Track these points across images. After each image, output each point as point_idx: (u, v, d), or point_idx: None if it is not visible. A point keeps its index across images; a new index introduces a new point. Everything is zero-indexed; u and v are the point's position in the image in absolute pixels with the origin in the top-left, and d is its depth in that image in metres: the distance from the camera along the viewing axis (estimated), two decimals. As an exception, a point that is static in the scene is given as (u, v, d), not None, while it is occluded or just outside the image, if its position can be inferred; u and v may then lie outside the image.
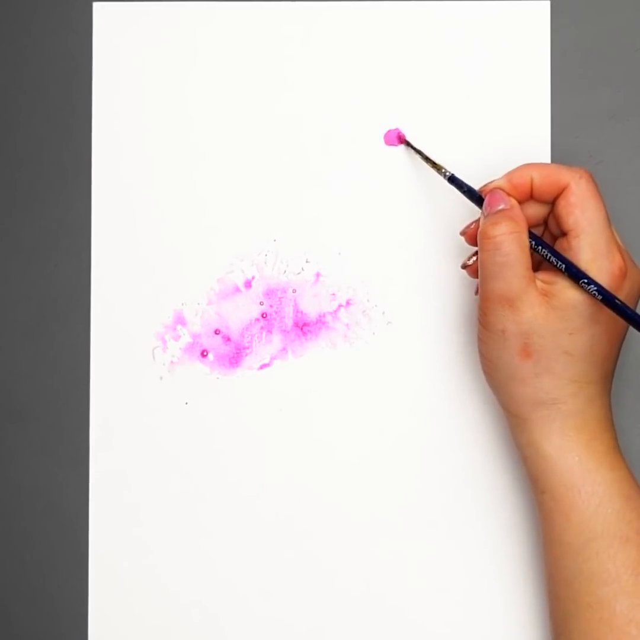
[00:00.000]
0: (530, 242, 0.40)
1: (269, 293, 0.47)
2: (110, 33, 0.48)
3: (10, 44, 0.48)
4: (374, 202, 0.47)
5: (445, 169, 0.44)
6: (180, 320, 0.47)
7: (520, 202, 0.41)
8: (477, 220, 0.42)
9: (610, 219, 0.40)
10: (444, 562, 0.46)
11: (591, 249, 0.39)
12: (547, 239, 0.42)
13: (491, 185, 0.41)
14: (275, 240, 0.47)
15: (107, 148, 0.48)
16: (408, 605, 0.46)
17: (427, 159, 0.45)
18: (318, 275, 0.47)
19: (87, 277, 0.48)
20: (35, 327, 0.48)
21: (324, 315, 0.47)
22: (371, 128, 0.47)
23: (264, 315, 0.47)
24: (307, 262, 0.47)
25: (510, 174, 0.41)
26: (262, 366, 0.47)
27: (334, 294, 0.47)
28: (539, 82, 0.47)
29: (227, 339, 0.47)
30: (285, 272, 0.47)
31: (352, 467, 0.47)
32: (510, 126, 0.47)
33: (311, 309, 0.47)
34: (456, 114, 0.47)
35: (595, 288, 0.38)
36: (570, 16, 0.47)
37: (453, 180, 0.44)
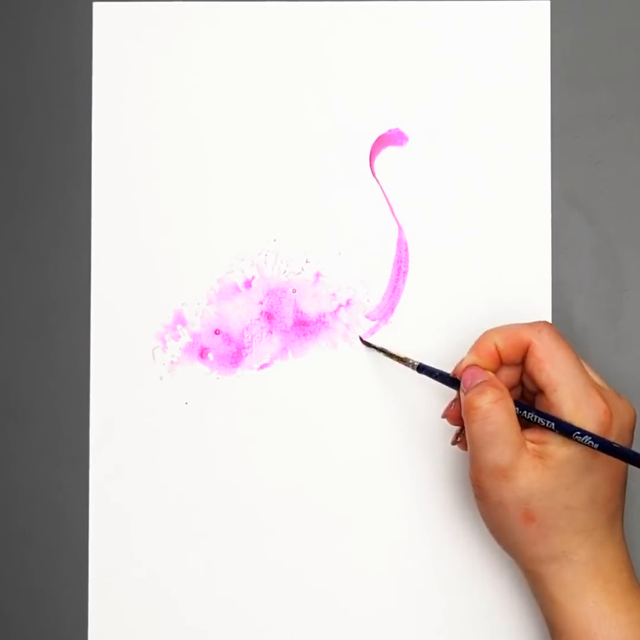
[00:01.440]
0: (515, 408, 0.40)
1: (269, 293, 0.47)
2: (110, 33, 0.48)
3: (10, 44, 0.48)
4: (374, 202, 0.47)
5: (412, 360, 0.44)
6: (180, 320, 0.47)
7: (494, 371, 0.41)
8: (455, 400, 0.42)
9: (583, 363, 0.40)
10: (443, 562, 0.46)
11: (572, 400, 0.39)
12: (526, 398, 0.42)
13: (464, 364, 0.41)
14: (275, 240, 0.47)
15: (107, 148, 0.48)
16: (407, 605, 0.46)
17: (391, 355, 0.45)
18: (318, 275, 0.47)
19: (87, 277, 0.48)
20: (35, 327, 0.48)
21: (324, 315, 0.47)
22: (371, 128, 0.47)
23: (264, 315, 0.47)
24: (307, 262, 0.47)
25: (476, 347, 0.41)
26: (262, 366, 0.47)
27: (334, 294, 0.47)
28: (539, 82, 0.47)
29: (227, 339, 0.47)
30: (285, 272, 0.47)
31: (352, 467, 0.47)
32: (510, 126, 0.47)
33: (311, 309, 0.47)
34: (456, 114, 0.47)
35: (590, 438, 0.37)
36: (570, 16, 0.47)
37: (422, 368, 0.43)
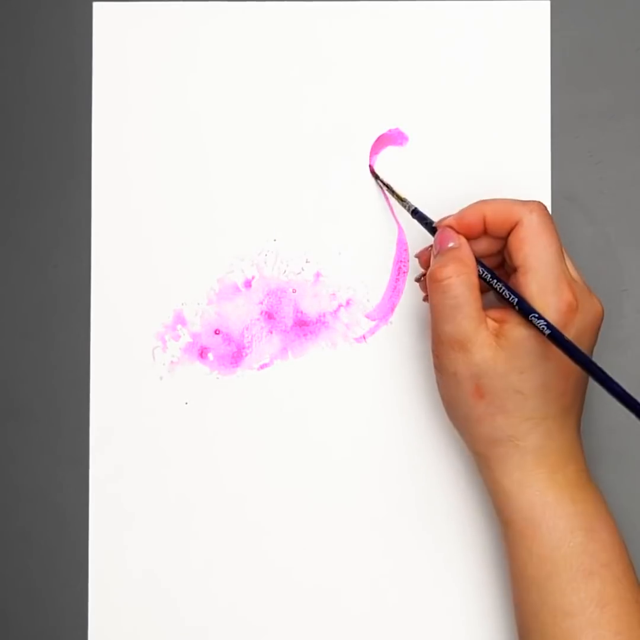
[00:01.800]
0: (485, 275, 0.40)
1: (269, 293, 0.47)
2: (110, 33, 0.48)
3: (10, 44, 0.48)
4: (374, 202, 0.47)
5: (408, 203, 0.44)
6: (180, 320, 0.47)
7: (473, 239, 0.41)
8: (431, 246, 0.42)
9: (565, 251, 0.40)
10: (445, 562, 0.46)
11: (538, 285, 0.39)
12: (504, 274, 0.42)
13: (443, 223, 0.41)
14: (275, 240, 0.47)
15: (107, 148, 0.48)
16: (406, 605, 0.46)
17: (392, 192, 0.45)
18: (318, 275, 0.47)
19: (87, 277, 0.48)
20: (35, 327, 0.48)
21: (324, 315, 0.47)
22: (371, 128, 0.47)
23: (264, 315, 0.47)
24: (307, 262, 0.47)
25: (462, 212, 0.41)
26: (262, 366, 0.47)
27: (334, 294, 0.47)
28: (539, 82, 0.47)
29: (227, 339, 0.47)
30: (285, 272, 0.47)
31: (352, 467, 0.47)
32: (510, 126, 0.47)
33: (311, 309, 0.47)
34: (456, 114, 0.47)
35: (544, 323, 0.37)
36: (570, 16, 0.47)
37: (416, 213, 0.44)
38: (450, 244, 0.40)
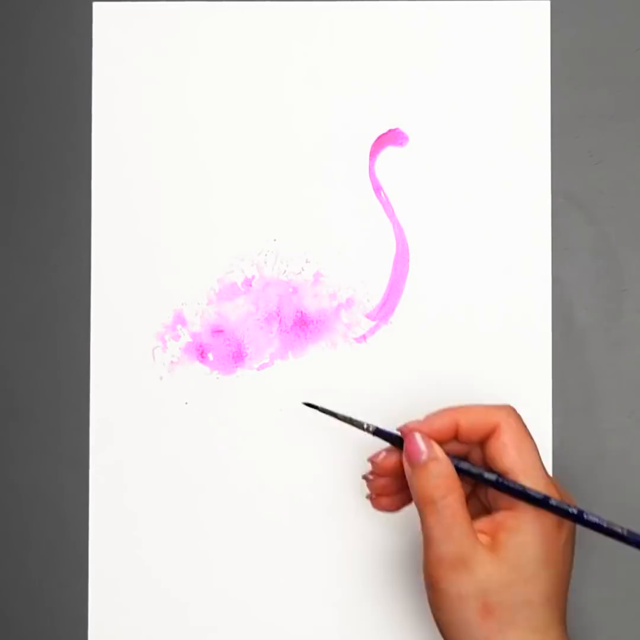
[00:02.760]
0: (494, 479, 0.39)
1: (269, 293, 0.47)
2: (110, 33, 0.48)
3: (10, 44, 0.48)
4: (374, 202, 0.47)
5: (366, 424, 0.41)
6: (180, 320, 0.47)
7: (441, 444, 0.39)
8: (387, 450, 0.40)
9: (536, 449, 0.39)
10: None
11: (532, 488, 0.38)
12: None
13: (410, 428, 0.39)
14: (275, 240, 0.47)
15: (107, 148, 0.48)
16: (407, 606, 0.46)
17: (345, 419, 0.41)
18: (318, 275, 0.47)
19: (87, 277, 0.48)
20: (35, 327, 0.48)
21: (324, 315, 0.47)
22: (371, 128, 0.47)
23: (264, 315, 0.47)
24: (307, 262, 0.47)
25: (432, 418, 0.40)
26: (262, 366, 0.47)
27: (334, 294, 0.47)
28: (539, 82, 0.47)
29: (227, 339, 0.47)
30: (285, 272, 0.47)
31: (352, 467, 0.47)
32: (510, 126, 0.47)
33: (311, 309, 0.47)
34: (456, 114, 0.47)
35: (573, 509, 0.37)
36: (570, 16, 0.47)
37: (378, 432, 0.41)
38: (422, 450, 0.39)
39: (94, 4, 0.48)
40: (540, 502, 0.37)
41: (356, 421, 0.41)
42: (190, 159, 0.47)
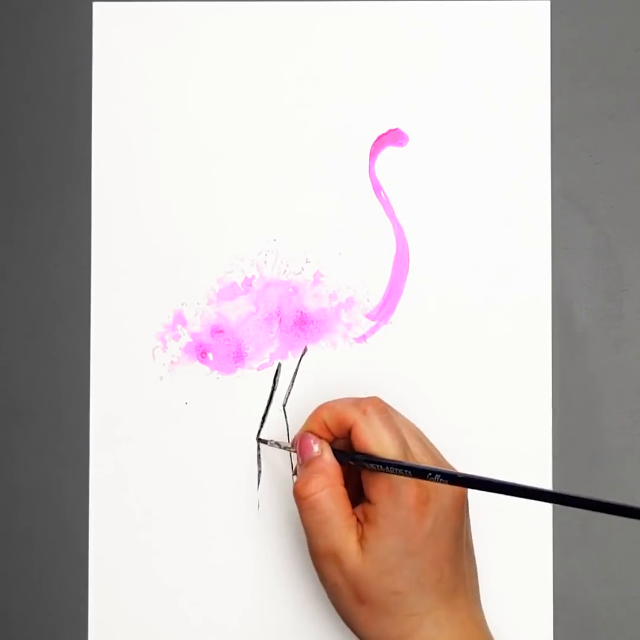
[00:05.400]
0: (370, 465, 0.39)
1: (269, 293, 0.47)
2: (110, 33, 0.48)
3: (10, 44, 0.48)
4: (374, 202, 0.47)
5: (285, 445, 0.45)
6: (180, 320, 0.47)
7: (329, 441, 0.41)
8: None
9: (414, 430, 0.40)
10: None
11: (387, 484, 0.38)
12: None
13: (299, 433, 0.42)
14: (275, 240, 0.47)
15: (107, 148, 0.48)
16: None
17: (279, 445, 0.45)
18: (318, 275, 0.47)
19: (87, 277, 0.48)
20: (35, 327, 0.48)
21: (324, 315, 0.47)
22: (371, 128, 0.47)
23: (264, 315, 0.47)
24: (307, 262, 0.47)
25: (308, 420, 0.42)
26: (262, 366, 0.47)
27: (334, 294, 0.47)
28: (539, 82, 0.47)
29: (227, 339, 0.47)
30: (285, 272, 0.47)
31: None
32: (510, 126, 0.47)
33: (311, 309, 0.47)
34: (456, 114, 0.47)
35: (440, 476, 0.37)
36: (570, 16, 0.47)
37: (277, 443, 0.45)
38: (313, 452, 0.40)
39: (94, 4, 0.48)
40: (396, 468, 0.38)
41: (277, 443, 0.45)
42: (190, 158, 0.47)
